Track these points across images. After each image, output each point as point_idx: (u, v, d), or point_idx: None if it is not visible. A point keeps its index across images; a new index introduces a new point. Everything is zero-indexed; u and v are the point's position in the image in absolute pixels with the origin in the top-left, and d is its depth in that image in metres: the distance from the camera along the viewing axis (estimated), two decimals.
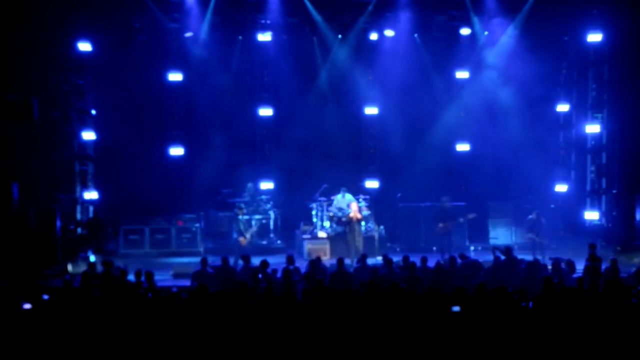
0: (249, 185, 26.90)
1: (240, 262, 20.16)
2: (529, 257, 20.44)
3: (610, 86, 26.32)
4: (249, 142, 28.31)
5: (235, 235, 23.71)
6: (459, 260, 19.39)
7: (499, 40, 26.90)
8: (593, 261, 18.75)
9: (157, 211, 26.42)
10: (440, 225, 23.81)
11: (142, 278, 18.30)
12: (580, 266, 19.41)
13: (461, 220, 24.18)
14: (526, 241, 24.72)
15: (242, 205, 24.30)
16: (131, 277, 18.31)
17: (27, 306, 12.49)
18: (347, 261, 21.42)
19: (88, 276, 18.23)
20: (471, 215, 24.31)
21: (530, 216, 24.31)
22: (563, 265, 18.82)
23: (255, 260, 19.59)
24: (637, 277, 18.33)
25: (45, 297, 13.61)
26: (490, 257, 20.17)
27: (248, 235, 23.29)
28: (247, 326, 9.79)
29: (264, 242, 25.43)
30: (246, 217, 26.06)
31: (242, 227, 23.44)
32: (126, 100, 26.09)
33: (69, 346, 9.38)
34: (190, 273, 19.53)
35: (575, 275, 18.64)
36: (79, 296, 12.86)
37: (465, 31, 27.10)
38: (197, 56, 26.85)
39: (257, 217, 26.18)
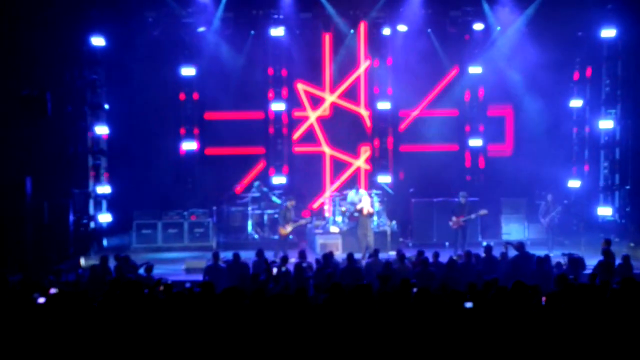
0: (256, 183, 26.97)
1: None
2: (541, 253, 20.38)
3: (624, 82, 26.21)
4: (262, 136, 28.34)
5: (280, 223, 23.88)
6: (477, 256, 19.39)
7: (512, 35, 26.79)
8: (607, 258, 18.62)
9: (169, 205, 26.48)
10: (454, 219, 23.83)
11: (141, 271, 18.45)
12: (593, 262, 19.33)
13: (473, 216, 24.14)
14: (540, 236, 24.81)
15: (291, 197, 24.37)
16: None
17: (41, 300, 12.52)
18: (359, 256, 21.43)
19: (97, 271, 18.28)
20: (482, 212, 24.23)
21: (544, 201, 24.52)
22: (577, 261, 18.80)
23: (269, 254, 19.73)
24: None
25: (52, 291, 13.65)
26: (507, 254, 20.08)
27: (288, 227, 23.38)
28: (255, 324, 9.77)
29: (276, 237, 25.42)
30: (258, 211, 26.23)
31: (288, 216, 23.57)
32: (139, 95, 26.11)
33: (71, 341, 9.39)
34: (203, 267, 19.58)
35: (586, 272, 18.58)
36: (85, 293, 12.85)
37: (478, 26, 27.03)
38: (210, 51, 26.87)
39: (269, 211, 26.29)
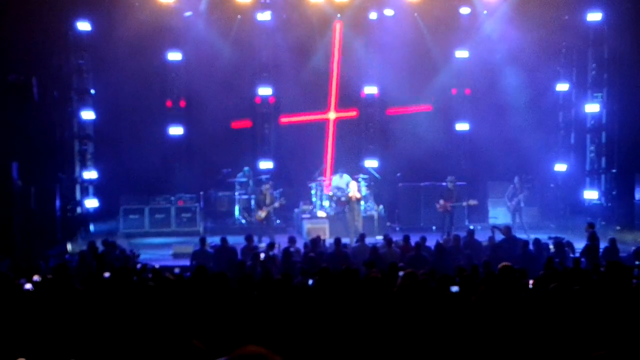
0: (246, 168, 26.99)
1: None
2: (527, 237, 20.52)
3: (610, 66, 26.25)
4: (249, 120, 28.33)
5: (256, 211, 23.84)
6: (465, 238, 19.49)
7: (498, 19, 26.78)
8: (593, 241, 18.74)
9: (156, 191, 26.45)
10: (441, 202, 23.78)
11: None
12: (579, 245, 19.44)
13: (464, 204, 24.14)
14: (527, 220, 24.92)
15: (267, 182, 24.42)
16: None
17: (28, 286, 12.51)
18: (347, 241, 21.47)
19: (85, 256, 18.26)
20: (472, 202, 24.23)
21: (512, 184, 24.69)
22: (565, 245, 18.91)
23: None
24: (637, 257, 18.34)
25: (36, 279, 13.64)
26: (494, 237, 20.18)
27: (262, 213, 23.33)
28: (242, 308, 9.81)
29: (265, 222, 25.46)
30: (245, 196, 26.23)
31: (262, 201, 23.53)
32: (126, 80, 26.00)
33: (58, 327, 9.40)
34: (190, 253, 19.62)
35: (573, 256, 18.71)
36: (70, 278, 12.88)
37: (465, 10, 27.06)
38: (197, 36, 26.79)
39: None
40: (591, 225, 19.53)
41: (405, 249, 18.68)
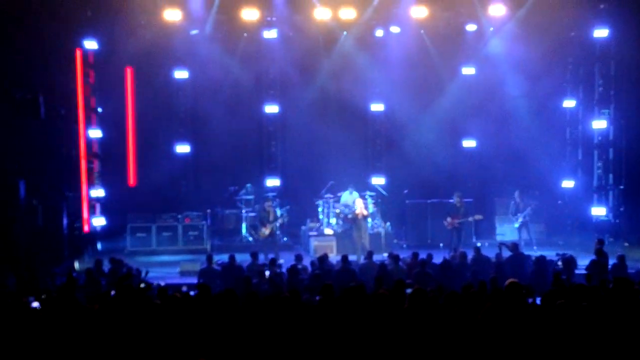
0: (248, 185, 27.02)
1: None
2: (535, 253, 20.45)
3: (617, 82, 26.19)
4: (256, 139, 28.33)
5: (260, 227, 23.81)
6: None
7: (504, 36, 26.77)
8: (600, 257, 18.67)
9: (163, 208, 26.42)
10: (449, 220, 23.74)
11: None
12: (586, 262, 19.34)
13: (470, 219, 24.08)
14: (535, 236, 24.81)
15: (269, 198, 24.44)
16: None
17: (36, 304, 12.49)
18: (353, 258, 21.41)
19: (92, 274, 18.25)
20: (477, 217, 24.19)
21: (513, 200, 24.62)
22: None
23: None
24: None
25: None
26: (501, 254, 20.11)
27: (266, 230, 23.32)
28: (248, 326, 9.77)
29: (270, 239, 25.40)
30: (252, 214, 26.22)
31: (265, 218, 23.51)
32: (132, 98, 26.04)
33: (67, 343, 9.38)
34: (197, 270, 19.59)
35: (578, 271, 18.66)
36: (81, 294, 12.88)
37: (471, 27, 27.05)
38: (203, 53, 26.83)
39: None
40: (600, 242, 19.47)
41: (413, 266, 18.63)
